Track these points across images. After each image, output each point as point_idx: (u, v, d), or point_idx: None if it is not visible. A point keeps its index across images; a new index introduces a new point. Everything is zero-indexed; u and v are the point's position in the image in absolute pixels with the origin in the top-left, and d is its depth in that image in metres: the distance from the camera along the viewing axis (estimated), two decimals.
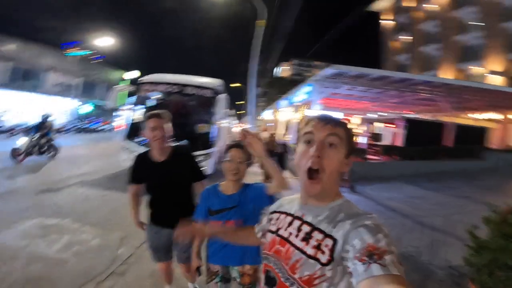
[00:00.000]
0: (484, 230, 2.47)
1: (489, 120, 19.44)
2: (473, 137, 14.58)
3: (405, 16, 31.04)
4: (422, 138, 12.18)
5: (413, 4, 29.82)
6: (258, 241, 1.09)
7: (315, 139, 0.80)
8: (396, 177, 9.15)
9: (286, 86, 31.91)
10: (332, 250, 0.73)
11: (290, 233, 0.84)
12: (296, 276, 0.77)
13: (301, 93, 13.45)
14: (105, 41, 25.98)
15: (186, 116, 7.62)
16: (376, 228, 0.70)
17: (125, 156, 6.75)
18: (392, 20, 33.17)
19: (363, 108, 19.86)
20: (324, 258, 0.73)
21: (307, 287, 0.74)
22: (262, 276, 0.91)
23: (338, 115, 13.59)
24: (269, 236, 0.92)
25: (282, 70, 68.78)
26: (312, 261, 0.75)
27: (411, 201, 6.49)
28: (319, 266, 0.73)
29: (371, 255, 0.64)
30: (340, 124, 0.83)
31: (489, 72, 21.29)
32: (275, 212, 0.97)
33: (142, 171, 2.00)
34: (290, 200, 0.96)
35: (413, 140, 12.35)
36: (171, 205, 1.99)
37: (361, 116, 20.12)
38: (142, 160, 2.01)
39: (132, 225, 3.93)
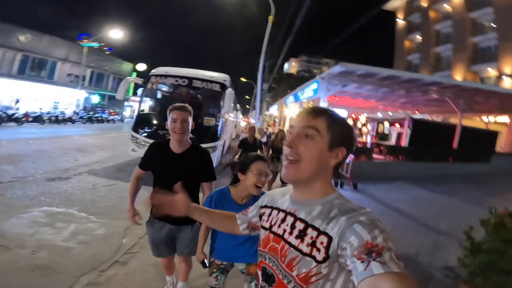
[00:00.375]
0: (482, 233, 2.46)
1: (500, 123, 19.07)
2: (482, 140, 14.34)
3: (419, 15, 30.44)
4: (430, 140, 12.03)
5: (428, 4, 29.19)
6: (234, 230, 1.09)
7: (294, 131, 0.81)
8: (402, 177, 9.09)
9: (294, 82, 31.74)
10: (327, 248, 0.72)
11: (284, 230, 0.83)
12: (293, 273, 0.77)
13: (308, 90, 13.37)
14: (115, 33, 26.17)
15: (193, 108, 7.70)
16: (372, 223, 0.69)
17: (133, 146, 6.89)
18: (407, 19, 32.48)
19: (370, 107, 19.62)
20: (319, 256, 0.72)
21: (304, 284, 0.74)
22: (259, 273, 0.91)
23: (343, 113, 13.53)
24: (263, 233, 0.91)
25: (291, 66, 68.23)
26: (308, 258, 0.74)
27: (418, 203, 6.45)
28: (315, 263, 0.73)
29: (369, 252, 0.63)
30: (321, 115, 0.80)
31: (502, 75, 20.77)
32: (266, 206, 0.96)
33: (157, 160, 1.99)
34: (282, 194, 0.94)
35: (420, 141, 12.20)
36: None
37: (368, 115, 19.94)
38: (158, 149, 2.01)
39: None
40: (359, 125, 19.16)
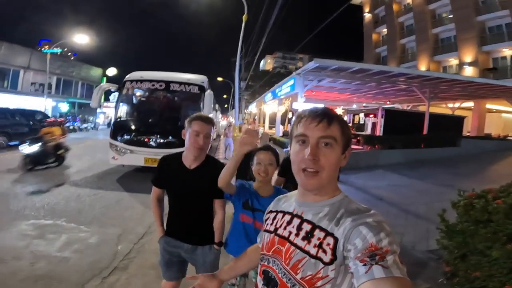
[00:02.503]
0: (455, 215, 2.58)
1: (465, 109, 20.43)
2: (450, 125, 15.29)
3: (384, 8, 31.57)
4: (402, 128, 12.71)
5: None
6: None
7: (309, 141, 0.78)
8: (380, 165, 9.56)
9: (270, 78, 32.00)
10: (333, 249, 0.70)
11: (290, 232, 0.81)
12: (298, 276, 0.74)
13: (285, 86, 13.65)
14: (81, 38, 24.97)
15: (172, 112, 7.66)
16: (378, 226, 0.67)
17: (113, 154, 6.75)
18: (373, 13, 33.61)
19: (345, 100, 20.36)
20: (326, 258, 0.71)
21: (309, 287, 0.73)
22: (259, 278, 0.88)
23: (319, 106, 13.92)
24: (267, 236, 0.88)
25: (266, 63, 68.64)
26: (314, 260, 0.72)
27: (396, 189, 6.81)
28: (321, 265, 0.71)
29: (372, 255, 0.62)
30: (333, 120, 0.78)
31: (463, 64, 22.12)
32: (271, 211, 0.95)
33: (169, 175, 1.80)
34: (287, 198, 0.94)
35: (393, 130, 12.87)
36: (192, 218, 1.80)
37: (344, 107, 20.64)
38: (170, 164, 1.81)
39: (127, 222, 4.10)
40: None
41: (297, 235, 0.79)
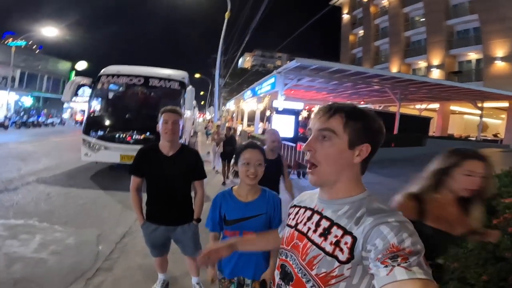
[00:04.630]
0: None
1: (431, 110, 21.78)
2: (418, 126, 16.23)
3: (362, 10, 32.24)
4: None
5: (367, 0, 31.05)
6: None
7: (312, 134, 0.79)
8: None
9: (249, 76, 31.97)
10: (351, 248, 0.68)
11: (309, 228, 0.80)
12: (313, 272, 0.73)
13: (266, 84, 13.72)
14: (49, 31, 23.22)
15: (151, 109, 7.40)
16: (400, 226, 0.64)
17: (86, 151, 6.38)
18: (351, 14, 34.19)
19: (322, 99, 20.88)
20: (342, 256, 0.69)
21: (323, 284, 0.71)
22: (276, 272, 0.87)
23: (299, 105, 14.20)
24: (288, 230, 0.88)
25: (245, 61, 68.45)
26: (330, 258, 0.71)
27: (368, 186, 7.08)
28: (337, 264, 0.69)
29: (394, 257, 0.59)
30: (336, 113, 0.76)
31: (430, 66, 23.28)
32: (295, 206, 0.93)
33: (148, 163, 2.00)
34: (311, 194, 0.92)
35: None
36: (171, 202, 2.03)
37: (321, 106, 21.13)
38: (148, 153, 2.02)
39: (105, 221, 3.91)
40: (312, 116, 20.25)
41: (315, 231, 0.77)
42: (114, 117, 6.97)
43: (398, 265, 0.58)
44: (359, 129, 0.75)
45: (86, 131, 6.47)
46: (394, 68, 26.58)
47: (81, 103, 25.57)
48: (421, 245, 0.62)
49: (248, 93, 19.24)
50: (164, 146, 1.99)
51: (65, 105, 32.55)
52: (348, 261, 0.68)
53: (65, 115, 32.34)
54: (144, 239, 2.15)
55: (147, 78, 6.93)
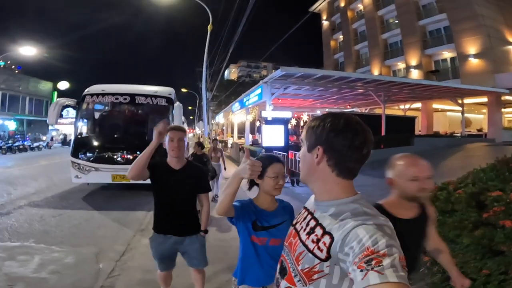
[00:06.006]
0: None
1: (414, 109, 22.39)
2: (404, 126, 16.63)
3: (340, 16, 32.88)
4: None
5: (345, 4, 31.55)
6: None
7: None
8: None
9: (236, 88, 32.21)
10: (329, 248, 0.71)
11: (302, 227, 0.87)
12: (299, 267, 0.79)
13: (253, 95, 13.91)
14: (28, 50, 22.81)
15: (139, 126, 7.41)
16: (376, 228, 0.66)
17: (76, 173, 6.31)
18: (330, 20, 34.85)
19: (309, 106, 21.27)
20: (322, 255, 0.73)
21: (307, 279, 0.76)
22: (278, 266, 0.95)
23: (287, 114, 14.45)
24: (290, 228, 0.96)
25: (231, 73, 69.05)
26: (311, 255, 0.76)
27: (362, 188, 7.18)
28: (317, 261, 0.74)
29: (369, 260, 0.60)
30: (307, 125, 0.87)
31: (409, 67, 23.92)
32: (304, 207, 0.98)
33: (157, 175, 2.09)
34: (313, 196, 0.97)
35: None
36: (179, 213, 2.12)
37: (309, 113, 21.53)
38: (157, 165, 2.11)
39: (102, 240, 3.90)
40: (301, 123, 20.54)
41: (304, 230, 0.84)
42: (102, 138, 6.94)
43: (372, 268, 0.59)
44: (311, 133, 0.83)
45: (75, 154, 6.40)
46: (376, 71, 27.05)
47: (67, 125, 25.14)
48: (397, 247, 0.63)
49: (236, 105, 19.41)
50: (172, 161, 2.11)
51: (50, 128, 31.88)
52: (326, 259, 0.72)
53: (52, 137, 31.63)
54: (151, 252, 2.18)
55: (133, 96, 6.89)
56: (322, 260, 0.72)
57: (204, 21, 12.46)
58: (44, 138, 27.92)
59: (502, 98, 17.12)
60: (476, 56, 19.35)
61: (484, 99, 17.76)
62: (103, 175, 6.27)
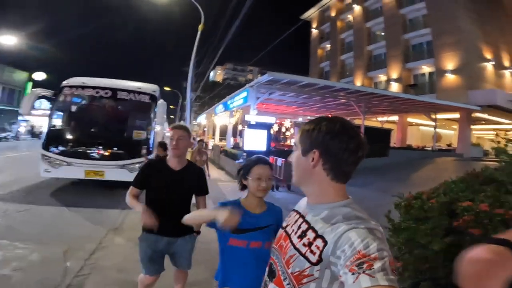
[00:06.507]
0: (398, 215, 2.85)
1: (391, 122, 23.29)
2: (380, 137, 17.21)
3: (329, 25, 33.37)
4: None
5: (336, 14, 32.19)
6: None
7: None
8: None
9: (221, 90, 32.07)
10: (321, 252, 0.72)
11: (293, 230, 0.86)
12: (289, 271, 0.79)
13: (238, 98, 13.89)
14: (7, 39, 21.69)
15: (120, 123, 7.15)
16: (368, 232, 0.67)
17: (45, 167, 5.95)
18: (319, 29, 35.33)
19: (292, 113, 21.55)
20: (313, 258, 0.73)
21: (296, 283, 0.76)
22: (267, 269, 0.94)
23: (271, 119, 14.56)
24: (280, 231, 0.95)
25: (217, 74, 68.62)
26: (302, 258, 0.76)
27: None
28: (308, 264, 0.74)
29: (360, 263, 0.61)
30: (301, 129, 0.88)
31: (390, 80, 24.70)
32: (293, 210, 0.99)
33: (155, 176, 2.03)
34: (305, 200, 0.97)
35: None
36: (174, 214, 1.93)
37: (292, 120, 21.81)
38: (156, 165, 2.10)
39: (71, 238, 3.70)
40: (283, 130, 20.73)
41: (295, 233, 0.84)
42: (77, 131, 6.62)
43: (364, 272, 0.60)
44: (306, 136, 0.84)
45: (46, 147, 6.06)
46: (358, 82, 27.60)
47: (39, 116, 23.83)
48: (387, 251, 0.65)
49: (220, 107, 19.28)
50: (172, 161, 2.05)
51: (20, 118, 30.09)
52: (317, 263, 0.72)
53: (21, 129, 29.82)
54: (139, 253, 2.04)
55: (115, 91, 6.65)
56: (313, 264, 0.73)
57: (192, 20, 12.36)
58: (11, 128, 26.31)
59: (473, 115, 17.85)
60: (453, 72, 20.12)
61: (457, 115, 18.50)
62: (75, 170, 5.96)
